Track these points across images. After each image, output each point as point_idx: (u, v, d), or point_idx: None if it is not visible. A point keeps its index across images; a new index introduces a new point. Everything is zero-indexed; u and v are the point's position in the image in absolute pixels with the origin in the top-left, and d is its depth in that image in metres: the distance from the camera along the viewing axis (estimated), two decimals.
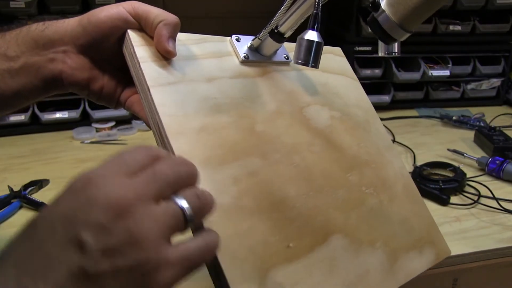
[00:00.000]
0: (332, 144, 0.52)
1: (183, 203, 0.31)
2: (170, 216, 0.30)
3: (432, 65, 1.26)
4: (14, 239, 0.30)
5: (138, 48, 0.43)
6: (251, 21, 1.34)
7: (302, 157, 0.47)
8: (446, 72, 1.25)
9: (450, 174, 0.85)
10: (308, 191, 0.45)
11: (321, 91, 0.56)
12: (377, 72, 1.23)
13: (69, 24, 0.45)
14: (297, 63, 0.43)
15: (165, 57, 0.44)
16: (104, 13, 0.44)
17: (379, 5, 0.45)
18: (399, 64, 1.26)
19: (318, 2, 0.42)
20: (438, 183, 0.80)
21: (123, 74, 0.47)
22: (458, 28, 1.25)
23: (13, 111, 0.51)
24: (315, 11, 0.42)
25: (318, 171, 0.48)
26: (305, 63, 0.43)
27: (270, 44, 0.50)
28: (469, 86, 1.31)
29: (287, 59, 0.54)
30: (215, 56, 0.48)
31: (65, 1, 1.01)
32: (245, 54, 0.50)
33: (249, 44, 0.51)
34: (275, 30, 0.49)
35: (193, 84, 0.44)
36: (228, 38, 0.51)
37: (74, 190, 0.31)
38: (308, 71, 0.56)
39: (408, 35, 0.45)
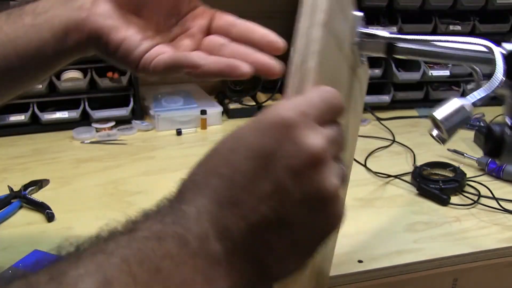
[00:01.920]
0: None
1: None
2: (341, 176, 0.33)
3: (432, 65, 1.26)
4: (200, 167, 0.33)
5: None
6: (251, 21, 1.34)
7: None
8: (446, 72, 1.25)
9: (450, 174, 0.85)
10: None
11: None
12: (377, 72, 1.23)
13: None
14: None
15: None
16: None
17: None
18: (399, 64, 1.25)
19: None
20: (438, 183, 0.80)
21: (153, 32, 0.45)
22: (458, 28, 1.24)
23: (36, 77, 0.49)
24: None
25: None
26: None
27: None
28: (469, 86, 1.31)
29: None
30: None
31: None
32: None
33: None
34: None
35: None
36: None
37: (276, 131, 0.31)
38: None
39: None
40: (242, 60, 0.40)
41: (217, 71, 0.41)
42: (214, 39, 0.45)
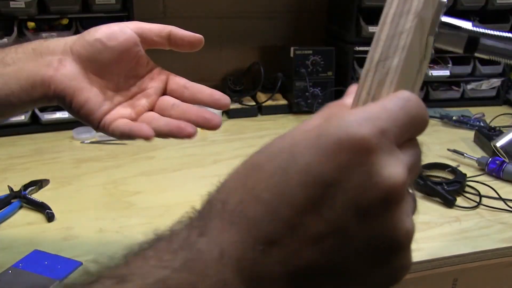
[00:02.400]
0: None
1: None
2: (413, 212, 0.27)
3: (432, 65, 1.26)
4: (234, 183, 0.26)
5: None
6: (251, 21, 1.34)
7: None
8: (446, 72, 1.25)
9: (450, 176, 0.85)
10: None
11: None
12: None
13: (69, 38, 0.48)
14: None
15: None
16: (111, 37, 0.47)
17: None
18: None
19: None
20: (442, 186, 0.79)
21: (113, 91, 0.49)
22: None
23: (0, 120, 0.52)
24: None
25: None
26: None
27: None
28: (469, 86, 1.31)
29: None
30: None
31: (65, 1, 1.01)
32: None
33: None
34: None
35: None
36: None
37: (344, 154, 0.23)
38: None
39: None
40: (190, 116, 0.47)
41: (167, 132, 0.46)
42: (166, 100, 0.50)
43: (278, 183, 0.24)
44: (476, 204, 0.77)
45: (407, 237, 0.25)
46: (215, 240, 0.24)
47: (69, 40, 0.47)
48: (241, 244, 0.24)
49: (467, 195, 0.80)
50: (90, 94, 0.47)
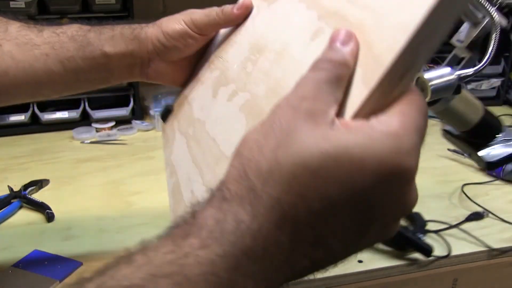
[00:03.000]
0: None
1: None
2: None
3: (432, 65, 1.26)
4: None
5: None
6: None
7: None
8: None
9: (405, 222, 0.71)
10: None
11: None
12: None
13: (152, 35, 0.52)
14: None
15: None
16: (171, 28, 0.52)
17: None
18: None
19: None
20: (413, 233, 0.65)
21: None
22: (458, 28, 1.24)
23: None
24: None
25: None
26: None
27: None
28: (469, 86, 1.31)
29: None
30: None
31: (65, 1, 1.01)
32: None
33: None
34: None
35: None
36: None
37: (386, 181, 0.25)
38: None
39: None
40: None
41: None
42: None
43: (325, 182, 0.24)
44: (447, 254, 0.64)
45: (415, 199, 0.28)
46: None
47: (152, 38, 0.52)
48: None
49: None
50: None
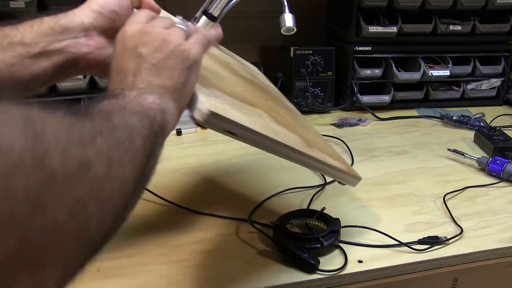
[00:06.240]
0: None
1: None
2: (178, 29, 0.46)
3: (432, 65, 1.26)
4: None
5: None
6: (251, 21, 1.34)
7: None
8: (446, 72, 1.25)
9: (322, 225, 0.66)
10: None
11: None
12: (377, 72, 1.23)
13: (82, 13, 0.50)
14: None
15: None
16: None
17: None
18: (399, 64, 1.26)
19: None
20: (317, 241, 0.60)
21: None
22: (458, 28, 1.25)
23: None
24: None
25: None
26: None
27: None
28: (469, 86, 1.31)
29: None
30: None
31: (65, 1, 1.01)
32: None
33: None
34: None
35: None
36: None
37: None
38: None
39: None
40: None
41: None
42: None
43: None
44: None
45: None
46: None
47: (85, 17, 0.50)
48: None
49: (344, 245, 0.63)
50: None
